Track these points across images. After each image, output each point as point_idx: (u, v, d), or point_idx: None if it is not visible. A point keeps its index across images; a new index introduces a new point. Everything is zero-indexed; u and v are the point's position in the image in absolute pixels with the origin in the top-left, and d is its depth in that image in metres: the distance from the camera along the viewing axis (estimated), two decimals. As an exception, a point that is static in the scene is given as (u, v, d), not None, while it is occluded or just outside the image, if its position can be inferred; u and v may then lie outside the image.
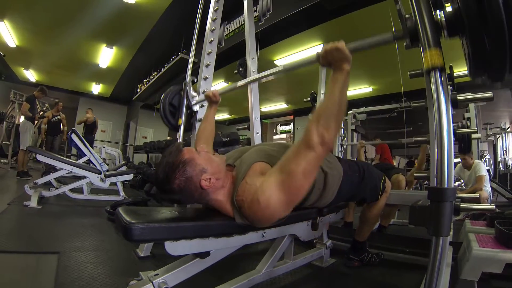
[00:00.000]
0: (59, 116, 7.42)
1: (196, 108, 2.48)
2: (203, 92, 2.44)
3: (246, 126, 2.55)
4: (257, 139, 2.59)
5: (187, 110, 2.49)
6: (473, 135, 3.15)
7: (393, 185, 3.15)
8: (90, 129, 8.56)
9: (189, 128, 2.51)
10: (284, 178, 1.13)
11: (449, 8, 1.06)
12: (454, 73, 1.92)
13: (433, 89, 1.00)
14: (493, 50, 0.91)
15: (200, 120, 2.46)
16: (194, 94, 2.42)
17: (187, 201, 1.28)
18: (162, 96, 2.59)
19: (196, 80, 2.42)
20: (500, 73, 0.98)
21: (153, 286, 1.14)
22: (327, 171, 1.59)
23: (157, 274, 1.19)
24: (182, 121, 2.46)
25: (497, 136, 7.84)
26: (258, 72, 2.59)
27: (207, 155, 1.30)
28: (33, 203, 3.55)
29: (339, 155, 4.53)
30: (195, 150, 1.29)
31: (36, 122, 7.00)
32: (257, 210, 1.15)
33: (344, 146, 5.05)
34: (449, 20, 1.02)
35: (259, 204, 1.13)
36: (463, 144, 2.81)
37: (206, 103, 2.24)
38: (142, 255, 2.18)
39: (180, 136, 2.50)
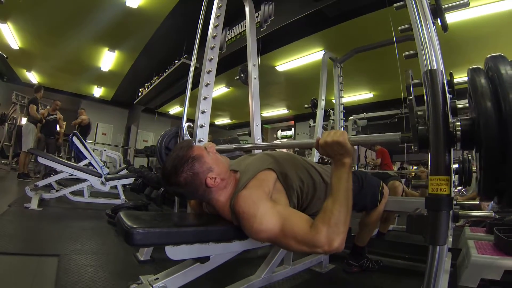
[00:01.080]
0: (55, 116, 7.18)
1: None
2: (201, 126, 2.44)
3: (247, 132, 2.56)
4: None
5: None
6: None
7: (390, 192, 3.18)
8: (84, 131, 8.12)
9: None
10: (280, 236, 1.15)
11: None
12: (454, 79, 1.94)
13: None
14: (508, 181, 0.82)
15: None
16: (190, 139, 2.43)
17: (191, 196, 1.31)
18: (158, 139, 2.62)
19: (192, 125, 2.43)
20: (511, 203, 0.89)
21: (153, 290, 1.15)
22: (328, 181, 1.60)
23: (157, 278, 1.20)
24: (190, 139, 2.47)
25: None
26: (260, 77, 2.60)
27: (215, 155, 1.35)
28: (33, 205, 3.56)
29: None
30: (205, 149, 1.32)
31: (39, 124, 6.96)
32: (249, 230, 1.19)
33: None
34: (465, 133, 0.93)
35: (252, 228, 1.17)
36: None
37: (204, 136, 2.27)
38: (142, 259, 2.19)
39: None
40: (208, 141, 2.28)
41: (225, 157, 1.43)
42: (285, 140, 11.73)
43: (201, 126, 2.32)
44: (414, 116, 1.10)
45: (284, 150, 1.69)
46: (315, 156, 3.61)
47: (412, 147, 1.08)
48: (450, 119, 0.97)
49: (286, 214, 1.20)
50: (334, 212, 1.11)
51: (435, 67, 1.03)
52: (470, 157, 2.56)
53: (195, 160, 1.23)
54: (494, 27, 4.48)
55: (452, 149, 0.96)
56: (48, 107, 8.83)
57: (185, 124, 2.34)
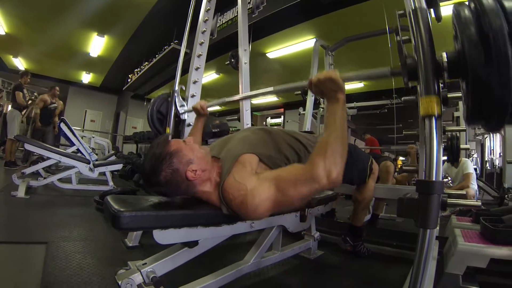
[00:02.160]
0: (55, 104, 6.81)
1: (184, 116, 2.48)
2: (192, 96, 2.42)
3: (236, 117, 2.56)
4: (247, 130, 2.59)
5: (175, 118, 2.48)
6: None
7: (382, 171, 3.24)
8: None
9: (177, 136, 2.49)
10: (279, 195, 1.13)
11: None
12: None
13: (426, 134, 0.99)
14: (495, 102, 0.87)
15: (189, 125, 2.46)
16: (183, 102, 2.41)
17: (174, 194, 1.27)
18: (150, 103, 2.58)
19: (184, 87, 2.40)
20: (498, 124, 0.95)
21: (141, 275, 1.14)
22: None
23: (145, 263, 1.19)
24: (170, 130, 2.45)
25: (485, 136, 7.96)
26: (250, 64, 2.58)
27: (194, 146, 1.30)
28: (20, 193, 3.51)
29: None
30: (183, 142, 1.28)
31: (24, 110, 6.77)
32: (245, 212, 1.15)
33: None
34: (451, 62, 0.98)
35: (247, 207, 1.13)
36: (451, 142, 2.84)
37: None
38: (131, 245, 2.18)
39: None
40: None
41: (204, 147, 1.39)
42: (275, 121, 11.74)
43: (191, 110, 2.31)
44: (402, 53, 1.16)
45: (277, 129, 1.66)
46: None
47: (403, 80, 1.12)
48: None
49: (274, 173, 1.20)
50: (329, 143, 1.11)
51: (423, 6, 1.06)
52: (457, 135, 2.60)
53: (173, 155, 1.19)
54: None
55: (439, 79, 1.01)
56: (35, 93, 8.63)
57: (177, 87, 2.32)
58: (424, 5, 1.06)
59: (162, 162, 1.17)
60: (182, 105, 2.44)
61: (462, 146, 2.82)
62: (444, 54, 0.99)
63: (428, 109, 0.98)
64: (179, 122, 2.50)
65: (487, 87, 0.86)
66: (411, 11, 1.08)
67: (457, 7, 0.97)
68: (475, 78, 0.88)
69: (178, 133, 2.50)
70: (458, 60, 0.95)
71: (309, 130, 3.86)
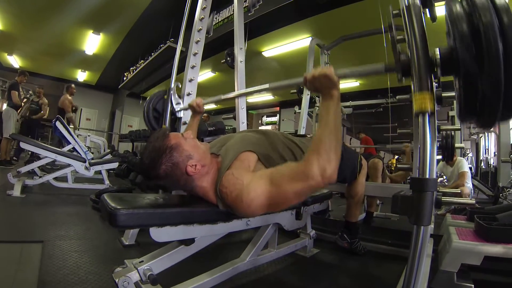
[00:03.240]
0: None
1: (180, 114, 2.48)
2: (188, 94, 2.42)
3: (232, 116, 2.56)
4: (242, 128, 2.59)
5: (171, 116, 2.48)
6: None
7: (370, 168, 3.31)
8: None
9: None
10: (273, 191, 1.13)
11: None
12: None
13: (420, 131, 0.99)
14: (486, 98, 0.87)
15: (184, 123, 2.46)
16: (179, 99, 2.40)
17: (172, 187, 1.28)
18: (146, 100, 2.57)
19: (180, 85, 2.40)
20: (490, 121, 0.96)
21: (138, 273, 1.15)
22: None
23: (142, 261, 1.20)
24: (165, 127, 2.45)
25: (480, 135, 8.00)
26: (246, 62, 2.58)
27: (193, 141, 1.31)
28: (16, 192, 3.50)
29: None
30: (182, 136, 1.29)
31: (20, 109, 6.75)
32: (240, 207, 1.16)
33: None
34: (444, 58, 0.98)
35: (242, 202, 1.14)
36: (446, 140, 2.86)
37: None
38: (127, 243, 2.18)
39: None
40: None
41: (204, 143, 1.40)
42: (270, 119, 11.72)
43: (187, 108, 2.31)
44: (396, 50, 1.14)
45: (273, 129, 1.67)
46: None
47: (397, 76, 1.13)
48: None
49: (270, 171, 1.21)
50: (323, 140, 1.10)
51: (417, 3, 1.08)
52: (452, 134, 2.62)
53: (173, 149, 1.20)
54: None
55: (432, 75, 1.02)
56: (30, 92, 8.57)
57: (173, 85, 2.32)
58: (417, 1, 1.07)
59: (162, 156, 1.17)
60: (178, 103, 2.44)
61: (457, 145, 2.84)
62: (437, 50, 0.99)
63: (422, 105, 0.98)
64: (175, 120, 2.49)
65: (478, 82, 0.87)
66: (404, 7, 1.09)
67: (449, 2, 0.97)
68: (467, 73, 0.89)
69: (174, 131, 2.49)
70: (450, 56, 0.96)
71: (304, 129, 3.89)
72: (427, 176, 0.96)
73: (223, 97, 2.00)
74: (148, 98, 2.57)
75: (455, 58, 0.92)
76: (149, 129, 2.64)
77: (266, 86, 1.63)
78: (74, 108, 7.08)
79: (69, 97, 6.92)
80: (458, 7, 0.93)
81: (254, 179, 1.17)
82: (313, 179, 1.08)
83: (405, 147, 3.79)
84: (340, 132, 1.16)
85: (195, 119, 2.00)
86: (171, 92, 2.38)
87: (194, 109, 1.98)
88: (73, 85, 7.23)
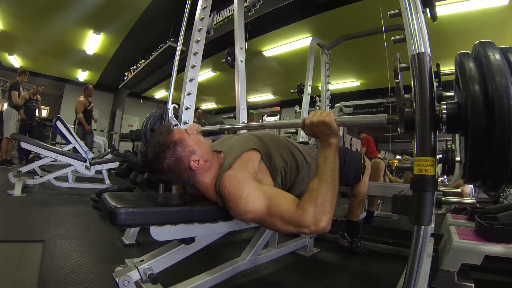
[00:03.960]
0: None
1: None
2: (189, 93, 2.41)
3: (232, 115, 2.55)
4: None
5: None
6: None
7: (372, 168, 3.32)
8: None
9: None
10: (267, 217, 1.14)
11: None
12: (441, 71, 1.96)
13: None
14: (494, 162, 0.83)
15: None
16: (176, 121, 2.40)
17: (175, 182, 1.29)
18: (143, 121, 2.57)
19: (177, 106, 2.39)
20: (496, 186, 0.91)
21: (139, 272, 1.15)
22: (310, 161, 1.62)
23: (143, 260, 1.20)
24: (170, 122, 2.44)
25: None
26: (246, 62, 2.58)
27: (197, 137, 1.32)
28: (17, 191, 3.50)
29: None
30: (185, 132, 1.30)
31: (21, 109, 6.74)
32: (234, 211, 1.18)
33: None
34: (451, 116, 0.93)
35: (237, 208, 1.16)
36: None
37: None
38: (128, 242, 2.19)
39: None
40: (194, 122, 2.26)
41: (207, 139, 1.40)
42: (271, 119, 11.74)
43: (187, 108, 2.31)
44: (400, 99, 1.10)
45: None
46: (301, 136, 3.64)
47: (398, 129, 1.08)
48: (436, 104, 0.97)
49: (272, 194, 1.19)
50: (320, 192, 1.10)
51: (423, 51, 1.03)
52: (453, 147, 2.61)
53: (177, 144, 1.21)
54: (480, 22, 4.57)
55: (437, 132, 0.97)
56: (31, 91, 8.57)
57: (170, 106, 2.31)
58: (428, 50, 1.02)
59: (165, 151, 1.19)
60: (176, 125, 2.44)
61: (457, 158, 2.83)
62: (444, 106, 0.95)
63: (422, 171, 0.95)
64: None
65: (487, 150, 0.83)
66: (414, 55, 1.02)
67: (461, 57, 0.94)
68: (476, 133, 0.85)
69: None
70: (458, 114, 0.92)
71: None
72: (428, 176, 0.96)
73: (219, 127, 1.96)
74: (145, 118, 2.56)
75: (464, 118, 0.88)
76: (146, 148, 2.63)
77: (264, 123, 1.63)
78: (89, 108, 7.06)
79: (81, 99, 6.93)
80: (471, 65, 0.89)
81: (255, 193, 1.17)
82: (306, 228, 1.09)
83: (405, 160, 3.80)
84: (337, 182, 1.15)
85: None
86: (168, 113, 2.37)
87: None
88: (90, 86, 7.22)
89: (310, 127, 1.19)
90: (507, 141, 0.79)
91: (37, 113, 7.29)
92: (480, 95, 0.83)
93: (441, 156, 2.59)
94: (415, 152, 0.99)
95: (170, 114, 2.31)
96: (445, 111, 0.94)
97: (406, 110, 1.04)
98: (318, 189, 1.11)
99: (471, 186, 4.22)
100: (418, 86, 0.98)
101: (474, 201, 1.68)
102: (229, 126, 1.94)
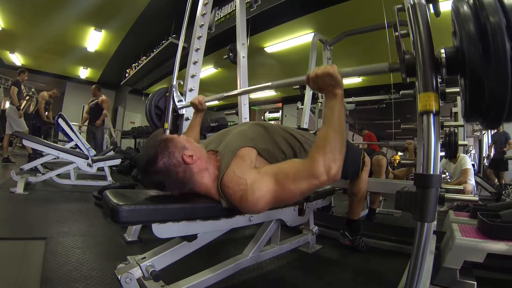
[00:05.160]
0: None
1: (182, 111, 2.47)
2: (190, 90, 2.42)
3: (234, 112, 2.55)
4: (245, 124, 2.59)
5: (173, 113, 2.48)
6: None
7: (374, 165, 3.29)
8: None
9: (175, 130, 2.48)
10: (279, 190, 1.14)
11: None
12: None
13: (424, 130, 0.99)
14: (492, 98, 0.87)
15: (187, 119, 2.46)
16: (180, 97, 2.40)
17: (172, 185, 1.25)
18: (148, 98, 2.57)
19: (182, 82, 2.39)
20: (496, 122, 0.96)
21: (141, 269, 1.14)
22: (308, 149, 1.59)
23: (145, 258, 1.19)
24: (168, 125, 2.45)
25: (483, 132, 7.96)
26: (248, 58, 2.57)
27: (186, 137, 1.34)
28: (19, 189, 3.50)
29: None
30: (174, 134, 1.32)
31: (22, 106, 6.76)
32: (246, 205, 1.16)
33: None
34: (450, 58, 0.97)
35: (247, 201, 1.14)
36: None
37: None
38: (130, 239, 2.19)
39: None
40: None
41: (199, 145, 1.40)
42: (273, 115, 11.74)
43: (189, 105, 2.30)
44: (400, 49, 1.14)
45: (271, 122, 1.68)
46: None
47: (401, 76, 1.13)
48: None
49: (274, 168, 1.20)
50: (329, 139, 1.11)
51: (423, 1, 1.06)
52: (455, 131, 2.60)
53: (168, 141, 1.22)
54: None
55: (438, 75, 1.01)
56: (33, 89, 8.59)
57: (175, 82, 2.32)
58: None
59: (157, 149, 1.18)
60: (180, 100, 2.44)
61: (460, 142, 2.83)
62: (443, 50, 0.98)
63: (426, 106, 0.98)
64: (177, 117, 2.49)
65: (485, 83, 0.86)
66: (409, 6, 1.07)
67: (456, 2, 0.96)
68: (473, 74, 0.88)
69: (176, 127, 2.49)
70: (456, 56, 0.95)
71: (306, 125, 3.87)
72: (431, 172, 0.96)
73: (225, 94, 1.99)
74: (150, 96, 2.57)
75: (461, 58, 0.91)
76: (151, 126, 2.65)
77: (269, 84, 1.63)
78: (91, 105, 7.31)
79: (104, 97, 7.29)
80: (465, 7, 0.92)
81: (258, 177, 1.17)
82: (318, 178, 1.09)
83: (408, 143, 3.78)
84: (344, 130, 1.16)
85: (198, 116, 1.99)
86: (173, 89, 2.37)
87: (196, 107, 1.97)
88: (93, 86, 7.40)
89: (314, 79, 1.19)
90: (504, 75, 0.82)
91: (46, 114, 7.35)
92: (474, 32, 0.87)
93: (443, 140, 2.60)
94: (418, 93, 1.02)
95: (175, 89, 2.32)
96: (444, 55, 0.98)
97: (407, 56, 1.09)
98: (326, 137, 1.13)
99: (473, 183, 4.21)
100: (416, 32, 1.04)
101: (477, 198, 1.68)
102: (232, 92, 1.96)
